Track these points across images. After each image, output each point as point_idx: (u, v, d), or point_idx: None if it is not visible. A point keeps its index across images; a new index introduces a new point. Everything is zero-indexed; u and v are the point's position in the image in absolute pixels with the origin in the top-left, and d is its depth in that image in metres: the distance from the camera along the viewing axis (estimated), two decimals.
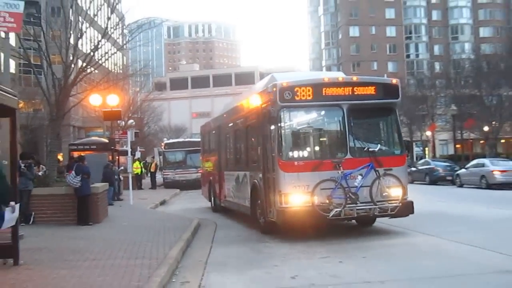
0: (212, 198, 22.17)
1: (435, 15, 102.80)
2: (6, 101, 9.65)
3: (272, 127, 12.86)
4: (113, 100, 26.23)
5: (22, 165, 15.25)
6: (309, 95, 12.55)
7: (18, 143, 11.56)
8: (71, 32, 25.05)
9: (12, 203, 7.39)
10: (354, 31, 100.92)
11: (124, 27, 36.87)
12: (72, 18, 26.32)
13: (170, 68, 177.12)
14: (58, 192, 17.39)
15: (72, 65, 23.61)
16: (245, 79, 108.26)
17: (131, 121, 38.81)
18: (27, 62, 27.12)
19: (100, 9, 30.97)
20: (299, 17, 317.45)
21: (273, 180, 12.75)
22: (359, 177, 12.17)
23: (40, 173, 19.57)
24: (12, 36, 36.38)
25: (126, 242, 12.91)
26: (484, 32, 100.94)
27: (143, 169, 42.00)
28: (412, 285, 8.09)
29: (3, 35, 11.50)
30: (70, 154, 30.42)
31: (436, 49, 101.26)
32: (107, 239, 13.61)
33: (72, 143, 37.29)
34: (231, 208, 18.90)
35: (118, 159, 36.91)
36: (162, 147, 46.72)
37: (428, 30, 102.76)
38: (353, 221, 14.11)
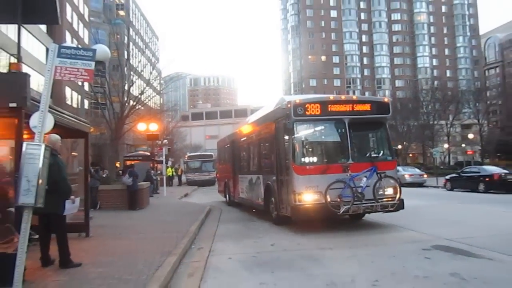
0: (227, 195, 19.11)
1: (366, 72, 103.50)
2: (82, 127, 9.67)
3: (286, 137, 10.91)
4: (154, 127, 26.24)
5: (92, 170, 15.18)
6: (317, 111, 10.66)
7: (89, 155, 11.49)
8: (126, 81, 25.16)
9: (72, 197, 7.27)
10: (313, 82, 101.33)
11: (161, 79, 36.91)
12: (126, 72, 26.43)
13: (191, 106, 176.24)
14: (116, 188, 17.34)
15: (126, 104, 23.61)
16: (241, 113, 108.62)
17: (165, 141, 38.61)
18: (95, 102, 27.03)
19: (145, 66, 31.14)
20: (276, 72, 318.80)
21: (286, 181, 10.77)
22: (364, 179, 10.25)
23: (104, 175, 19.46)
24: (86, 84, 35.97)
25: (161, 221, 12.83)
26: (398, 83, 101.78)
27: (173, 173, 41.87)
28: (351, 249, 8.06)
29: (80, 83, 11.44)
30: (125, 162, 30.32)
31: (367, 94, 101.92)
32: (149, 219, 13.52)
33: (126, 155, 37.18)
34: (244, 203, 16.08)
35: (157, 166, 36.81)
36: (186, 158, 46.73)
37: (361, 82, 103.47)
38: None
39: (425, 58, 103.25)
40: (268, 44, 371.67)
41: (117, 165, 28.21)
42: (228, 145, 19.08)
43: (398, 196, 10.56)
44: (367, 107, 11.22)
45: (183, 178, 43.37)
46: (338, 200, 10.05)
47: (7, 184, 7.19)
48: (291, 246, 8.73)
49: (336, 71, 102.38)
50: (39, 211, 5.86)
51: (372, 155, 11.10)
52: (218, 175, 23.61)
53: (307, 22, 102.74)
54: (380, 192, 10.36)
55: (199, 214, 14.34)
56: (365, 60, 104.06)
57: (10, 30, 29.37)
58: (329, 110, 10.83)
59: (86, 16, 55.74)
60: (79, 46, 27.68)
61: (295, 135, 10.68)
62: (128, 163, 26.92)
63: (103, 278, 5.96)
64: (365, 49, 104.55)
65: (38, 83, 27.09)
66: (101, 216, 13.48)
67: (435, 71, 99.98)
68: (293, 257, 7.67)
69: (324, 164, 10.73)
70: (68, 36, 45.76)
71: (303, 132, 10.96)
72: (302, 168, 10.42)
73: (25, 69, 7.27)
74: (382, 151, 11.52)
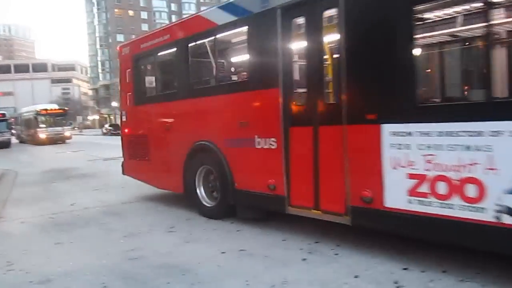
0: (210, 191, 6.75)
1: None
2: None
3: None
4: None
5: None
6: None
7: None
8: None
9: None
10: (120, 37, 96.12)
11: None
12: None
13: None
14: None
15: None
16: (40, 67, 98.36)
17: None
18: None
19: None
20: (80, 25, 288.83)
21: None
22: None
23: None
24: None
25: None
26: None
27: None
28: (152, 201, 8.26)
29: None
30: None
31: None
32: None
33: None
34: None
35: None
36: None
37: None
38: None
39: None
40: None
41: None
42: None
43: None
44: None
45: None
46: None
47: None
48: (93, 203, 8.46)
49: (145, 27, 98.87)
50: None
51: None
52: (127, 131, 8.81)
53: None
54: None
55: None
56: (173, 18, 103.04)
57: None
58: None
59: None
60: None
61: None
62: None
63: None
64: (173, 6, 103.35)
65: None
66: None
67: None
68: (94, 214, 7.48)
69: None
70: None
71: None
72: None
73: None
74: None
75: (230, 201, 6.17)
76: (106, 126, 61.86)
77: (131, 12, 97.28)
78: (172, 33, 7.25)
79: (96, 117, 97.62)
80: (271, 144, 5.37)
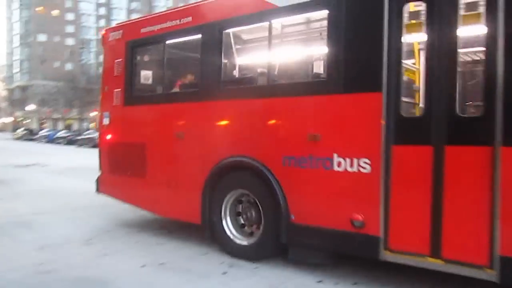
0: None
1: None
2: None
3: None
4: None
5: None
6: None
7: None
8: None
9: None
10: (42, 37, 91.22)
11: None
12: None
13: None
14: None
15: None
16: None
17: None
18: None
19: None
20: None
21: None
22: None
23: None
24: None
25: None
26: None
27: None
28: (73, 212, 7.89)
29: None
30: None
31: (101, 57, 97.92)
32: None
33: None
34: None
35: None
36: None
37: (97, 44, 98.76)
38: None
39: None
40: None
41: None
42: None
43: None
44: None
45: None
46: None
47: None
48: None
49: (70, 29, 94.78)
50: None
51: None
52: (111, 137, 6.64)
53: None
54: None
55: None
56: (102, 23, 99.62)
57: None
58: None
59: None
60: None
61: None
62: None
63: None
64: (102, 10, 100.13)
65: None
66: None
67: None
68: (1, 225, 6.96)
69: None
70: None
71: None
72: None
73: None
74: None
75: (282, 238, 4.58)
76: (19, 130, 58.07)
77: (55, 12, 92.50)
78: (197, 15, 5.47)
79: (10, 119, 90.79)
80: (361, 166, 3.98)
